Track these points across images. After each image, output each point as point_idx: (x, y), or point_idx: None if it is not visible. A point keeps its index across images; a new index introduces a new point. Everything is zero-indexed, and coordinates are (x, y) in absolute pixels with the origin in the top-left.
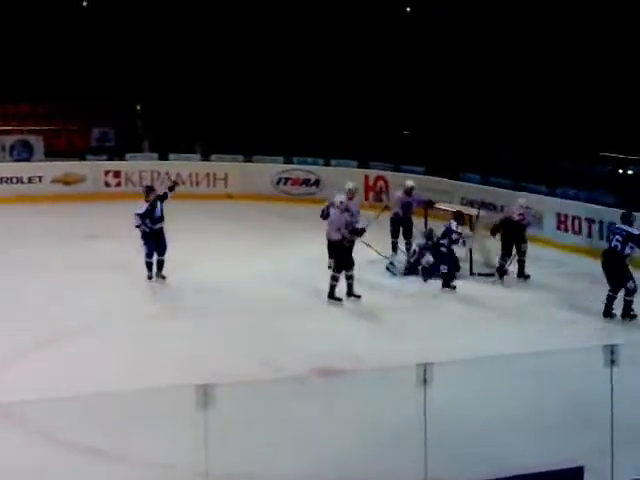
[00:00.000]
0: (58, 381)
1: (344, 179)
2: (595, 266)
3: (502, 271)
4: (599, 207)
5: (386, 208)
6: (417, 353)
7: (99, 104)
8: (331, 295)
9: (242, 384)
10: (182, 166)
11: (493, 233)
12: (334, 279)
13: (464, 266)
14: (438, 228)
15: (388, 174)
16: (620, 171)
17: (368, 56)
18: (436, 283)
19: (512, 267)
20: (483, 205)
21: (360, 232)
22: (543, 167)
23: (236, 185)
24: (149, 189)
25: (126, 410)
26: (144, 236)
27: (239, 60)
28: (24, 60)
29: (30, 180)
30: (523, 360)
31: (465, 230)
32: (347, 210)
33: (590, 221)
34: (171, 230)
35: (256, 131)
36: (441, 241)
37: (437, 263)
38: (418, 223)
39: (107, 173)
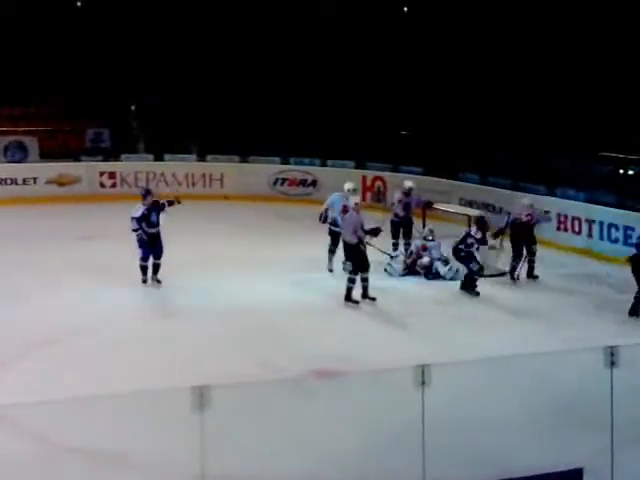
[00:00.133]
0: (56, 382)
1: (341, 179)
2: (595, 267)
3: (514, 272)
4: (599, 207)
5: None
6: (417, 354)
7: (93, 104)
8: (348, 298)
9: (239, 385)
10: (178, 167)
11: (496, 236)
12: (351, 281)
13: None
14: (437, 228)
15: (386, 174)
16: (621, 171)
17: (365, 56)
18: (436, 283)
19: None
20: (483, 206)
21: (376, 232)
22: (542, 167)
23: (232, 186)
24: (147, 191)
25: (122, 412)
26: (140, 240)
27: (235, 60)
28: (18, 61)
29: (25, 181)
30: (522, 361)
31: (491, 240)
32: (346, 212)
33: (590, 222)
34: (167, 232)
35: (252, 131)
36: (459, 246)
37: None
38: (417, 224)
39: (102, 174)
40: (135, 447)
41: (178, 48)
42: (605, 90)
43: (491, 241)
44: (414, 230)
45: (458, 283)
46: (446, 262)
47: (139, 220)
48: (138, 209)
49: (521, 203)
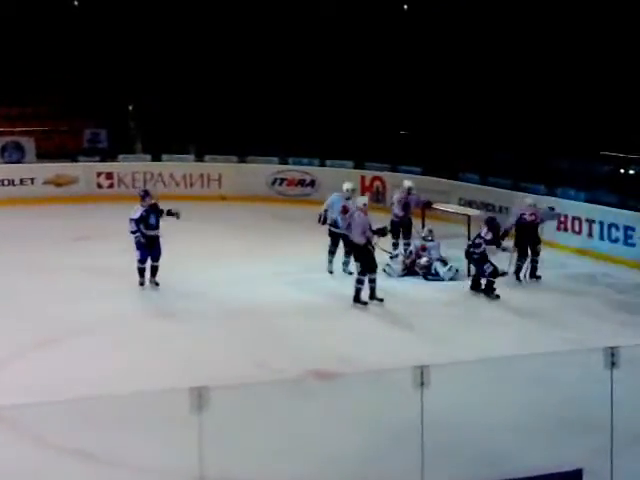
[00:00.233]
0: (53, 383)
1: (340, 179)
2: (595, 267)
3: (519, 273)
4: (599, 207)
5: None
6: (417, 355)
7: (91, 104)
8: (357, 299)
9: (238, 387)
10: (175, 167)
11: (502, 237)
12: (359, 282)
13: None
14: (437, 229)
15: (385, 174)
16: (622, 171)
17: (364, 55)
18: (435, 284)
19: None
20: (482, 205)
21: (384, 232)
22: (542, 167)
23: (230, 186)
24: (145, 193)
25: (120, 413)
26: (138, 242)
27: (233, 59)
28: (15, 61)
29: (22, 182)
30: (522, 361)
31: (508, 243)
32: (346, 212)
33: (590, 222)
34: (165, 232)
35: (250, 131)
36: (471, 248)
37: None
38: (416, 224)
39: (99, 175)
40: (134, 448)
41: (176, 48)
42: (605, 89)
43: (505, 243)
44: (413, 230)
45: (457, 283)
46: (445, 263)
47: (137, 222)
48: (137, 211)
49: (524, 203)
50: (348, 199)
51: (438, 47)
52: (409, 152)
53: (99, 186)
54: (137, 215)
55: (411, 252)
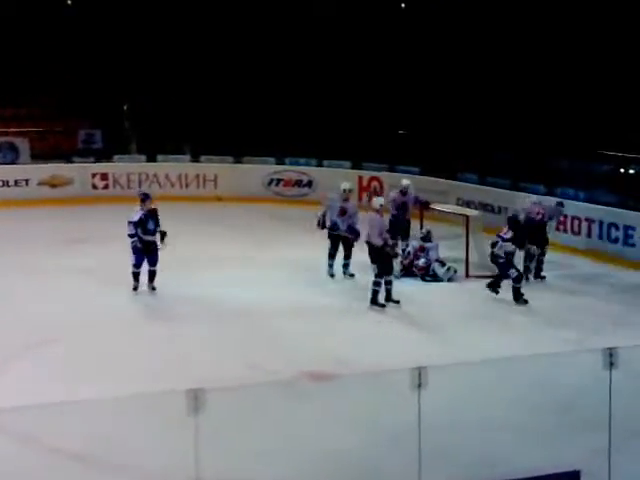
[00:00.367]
0: (48, 385)
1: (338, 180)
2: (595, 267)
3: (528, 273)
4: (599, 207)
5: None
6: (415, 356)
7: (85, 105)
8: (374, 301)
9: (234, 388)
10: (171, 167)
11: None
12: (376, 285)
13: (460, 267)
14: (435, 229)
15: (383, 175)
16: (621, 170)
17: (362, 54)
18: (433, 285)
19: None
20: (480, 206)
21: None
22: (542, 166)
23: (226, 186)
24: (146, 196)
25: (117, 415)
26: (134, 247)
27: (229, 59)
28: (8, 62)
29: (17, 183)
30: (521, 362)
31: (532, 247)
32: (344, 213)
33: (590, 221)
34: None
35: (246, 131)
36: (493, 250)
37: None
38: (414, 224)
39: (94, 175)
40: (130, 450)
41: (171, 47)
42: (605, 87)
43: (527, 244)
44: (411, 231)
45: (456, 284)
46: (443, 263)
47: (136, 225)
48: (136, 213)
49: (530, 201)
50: (346, 200)
51: (436, 46)
52: (407, 152)
53: (94, 187)
54: (136, 218)
55: (409, 253)
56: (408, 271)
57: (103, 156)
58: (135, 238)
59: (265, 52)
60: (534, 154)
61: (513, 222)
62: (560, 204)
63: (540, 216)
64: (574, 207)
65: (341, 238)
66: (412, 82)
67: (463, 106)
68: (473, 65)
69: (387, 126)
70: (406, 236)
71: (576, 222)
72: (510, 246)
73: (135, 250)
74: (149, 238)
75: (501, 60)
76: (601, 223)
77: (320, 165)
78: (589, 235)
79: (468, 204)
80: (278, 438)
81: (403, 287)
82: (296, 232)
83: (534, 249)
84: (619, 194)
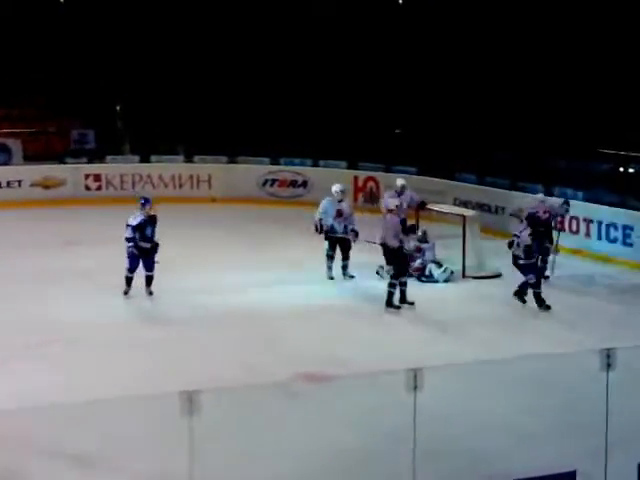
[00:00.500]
0: (42, 388)
1: (333, 180)
2: (593, 267)
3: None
4: (598, 206)
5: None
6: (410, 357)
7: (78, 105)
8: (389, 303)
9: (228, 390)
10: (164, 168)
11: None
12: (392, 286)
13: (457, 268)
14: (431, 229)
15: (379, 175)
16: (621, 169)
17: (357, 52)
18: (429, 286)
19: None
20: (477, 206)
21: (413, 230)
22: (540, 166)
23: (220, 187)
24: (146, 200)
25: (111, 417)
26: (130, 252)
27: (223, 58)
28: (0, 62)
29: (9, 184)
30: (517, 363)
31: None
32: (340, 215)
33: (588, 221)
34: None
35: (241, 131)
36: (512, 250)
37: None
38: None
39: (87, 176)
40: (124, 453)
41: (164, 47)
42: (604, 85)
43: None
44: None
45: (452, 285)
46: (440, 264)
47: (134, 229)
48: (136, 217)
49: (536, 199)
50: (340, 201)
51: (433, 44)
52: (404, 151)
53: (87, 188)
54: (135, 222)
55: None
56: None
57: (96, 157)
58: (132, 243)
59: (259, 51)
60: (532, 153)
61: (532, 218)
62: (566, 203)
63: (546, 215)
64: (572, 206)
65: (338, 240)
66: (408, 81)
67: (460, 105)
68: (470, 64)
69: (383, 125)
70: None
71: (574, 222)
72: (528, 240)
73: (130, 255)
74: (146, 245)
75: (499, 59)
76: (599, 223)
77: (315, 165)
78: (587, 235)
79: (465, 204)
80: (273, 439)
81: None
82: (292, 233)
83: (552, 248)
84: (618, 193)
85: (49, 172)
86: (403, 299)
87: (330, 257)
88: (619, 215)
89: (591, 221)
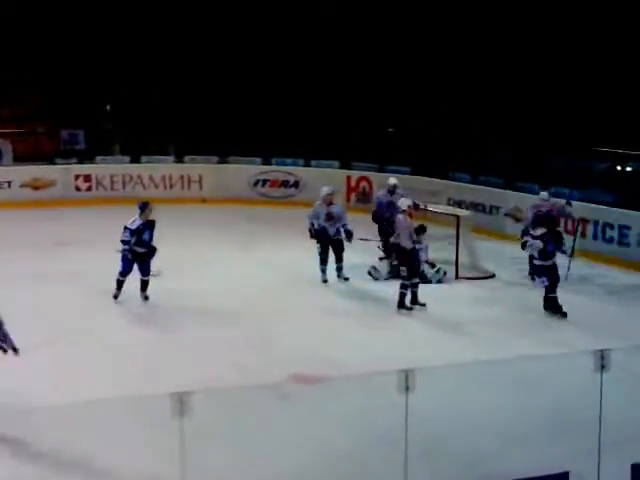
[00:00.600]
0: (33, 390)
1: (325, 180)
2: (589, 268)
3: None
4: (594, 206)
5: None
6: (404, 358)
7: (67, 105)
8: (401, 304)
9: (219, 391)
10: (155, 169)
11: (524, 235)
12: (404, 287)
13: (450, 269)
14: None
15: (372, 174)
16: (618, 168)
17: (349, 51)
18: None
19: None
20: (472, 205)
21: (424, 229)
22: (535, 165)
23: (211, 188)
24: (145, 205)
25: (102, 419)
26: (124, 255)
27: (212, 57)
28: None
29: None
30: (510, 364)
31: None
32: (331, 218)
33: (584, 221)
34: None
35: (232, 130)
36: (529, 251)
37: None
38: None
39: (77, 177)
40: (115, 454)
41: (154, 46)
42: (601, 81)
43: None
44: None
45: (445, 286)
46: (433, 265)
47: (132, 232)
48: (135, 221)
49: (539, 197)
50: (330, 204)
51: (426, 42)
52: (397, 151)
53: (77, 189)
54: (134, 226)
55: None
56: (397, 272)
57: (86, 157)
58: (127, 246)
59: (250, 51)
60: (528, 152)
61: (545, 218)
62: (568, 204)
63: (553, 213)
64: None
65: (331, 242)
66: (402, 79)
67: (454, 104)
68: (464, 62)
69: (376, 124)
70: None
71: (569, 221)
72: (539, 243)
73: (124, 259)
74: (142, 250)
75: (493, 57)
76: (595, 222)
77: (307, 165)
78: (583, 235)
79: (459, 204)
80: (265, 441)
81: (392, 289)
82: (284, 234)
83: (568, 249)
84: (615, 193)
85: (39, 173)
86: (415, 300)
87: (323, 260)
88: (615, 215)
89: (587, 221)
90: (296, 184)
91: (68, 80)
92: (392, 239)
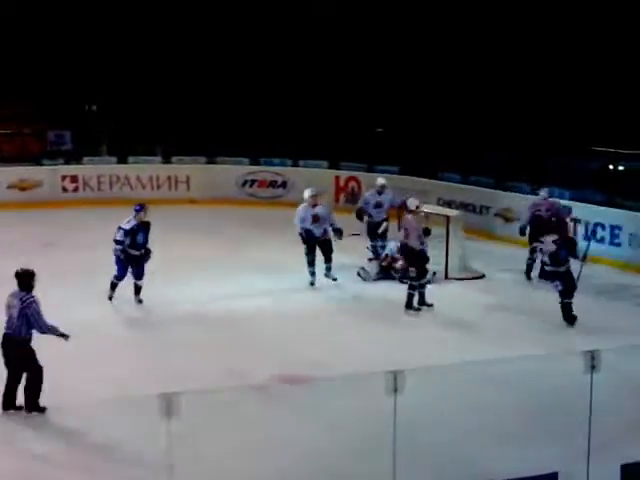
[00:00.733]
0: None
1: (314, 180)
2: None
3: (530, 272)
4: (585, 205)
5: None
6: (393, 359)
7: (54, 106)
8: (409, 305)
9: (207, 392)
10: (142, 169)
11: (522, 233)
12: (412, 288)
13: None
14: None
15: (361, 174)
16: (610, 167)
17: (338, 50)
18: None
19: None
20: (461, 205)
21: (429, 232)
22: (526, 164)
23: (199, 188)
24: (141, 207)
25: (90, 420)
26: (117, 257)
27: (199, 57)
28: None
29: None
30: (499, 365)
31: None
32: (317, 220)
33: (576, 221)
34: None
35: (219, 130)
36: (542, 258)
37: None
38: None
39: (64, 178)
40: (103, 454)
41: (140, 47)
42: (593, 80)
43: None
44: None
45: (434, 287)
46: None
47: (126, 233)
48: (129, 221)
49: (539, 196)
50: (315, 206)
51: (414, 41)
52: (386, 151)
53: (64, 190)
54: (129, 226)
55: (387, 255)
56: (386, 273)
57: (72, 158)
58: (120, 247)
59: (238, 51)
60: (519, 152)
61: (557, 223)
62: (568, 209)
63: (549, 213)
64: None
65: (318, 243)
66: (391, 79)
67: (444, 103)
68: (455, 61)
69: (365, 124)
70: (384, 237)
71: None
72: (552, 247)
73: (118, 261)
74: (135, 252)
75: (483, 56)
76: (587, 223)
77: (296, 165)
78: (574, 234)
79: (449, 204)
80: (253, 442)
81: (381, 290)
82: (271, 234)
83: (580, 254)
84: (606, 192)
85: (25, 174)
86: (422, 301)
87: (310, 263)
88: (606, 214)
89: (578, 221)
90: (284, 184)
91: (55, 81)
92: (401, 239)
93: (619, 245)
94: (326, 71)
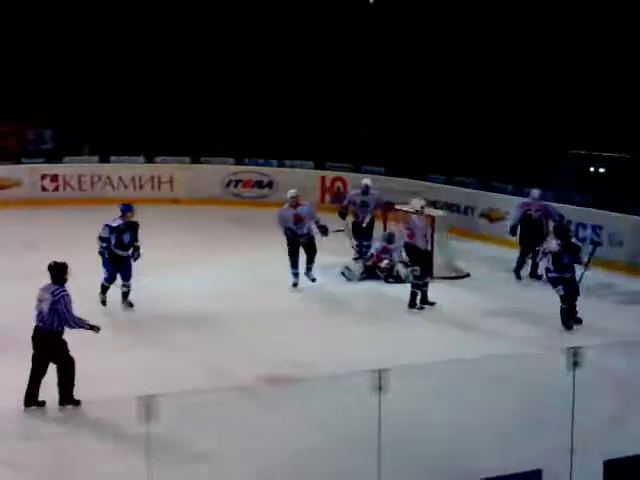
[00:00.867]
0: (6, 393)
1: (299, 180)
2: None
3: (519, 271)
4: (567, 206)
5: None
6: (379, 358)
7: (34, 103)
8: (412, 304)
9: (187, 394)
10: (124, 169)
11: (513, 233)
12: (416, 287)
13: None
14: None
15: (346, 175)
16: (591, 169)
17: (325, 50)
18: (397, 286)
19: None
20: (446, 206)
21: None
22: (510, 166)
23: (183, 188)
24: (127, 208)
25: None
26: (104, 259)
27: (184, 54)
28: None
29: None
30: (483, 363)
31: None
32: (299, 220)
33: (596, 245)
34: None
35: (204, 130)
36: (544, 263)
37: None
38: (378, 225)
39: (44, 177)
40: (83, 458)
41: (122, 42)
42: (575, 85)
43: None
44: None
45: None
46: (407, 264)
47: (112, 230)
48: (115, 220)
49: (530, 195)
50: (296, 206)
51: (400, 42)
52: (372, 151)
53: (44, 189)
54: (115, 224)
55: (372, 254)
56: (371, 273)
57: (53, 157)
58: (105, 244)
59: (220, 46)
60: (502, 153)
61: (560, 229)
62: (561, 217)
63: (539, 213)
64: None
65: (300, 244)
66: (376, 79)
67: (428, 104)
68: (438, 63)
69: (351, 125)
70: (369, 236)
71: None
72: (556, 250)
73: (105, 263)
74: (121, 253)
75: (467, 59)
76: (569, 222)
77: (281, 165)
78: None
79: (434, 204)
80: (236, 444)
81: (366, 289)
82: (256, 235)
83: (584, 259)
84: (588, 193)
85: (4, 173)
86: (424, 300)
87: (293, 264)
88: (588, 215)
89: (600, 244)
90: (270, 184)
91: (36, 78)
92: (406, 239)
93: (600, 245)
94: (313, 72)
